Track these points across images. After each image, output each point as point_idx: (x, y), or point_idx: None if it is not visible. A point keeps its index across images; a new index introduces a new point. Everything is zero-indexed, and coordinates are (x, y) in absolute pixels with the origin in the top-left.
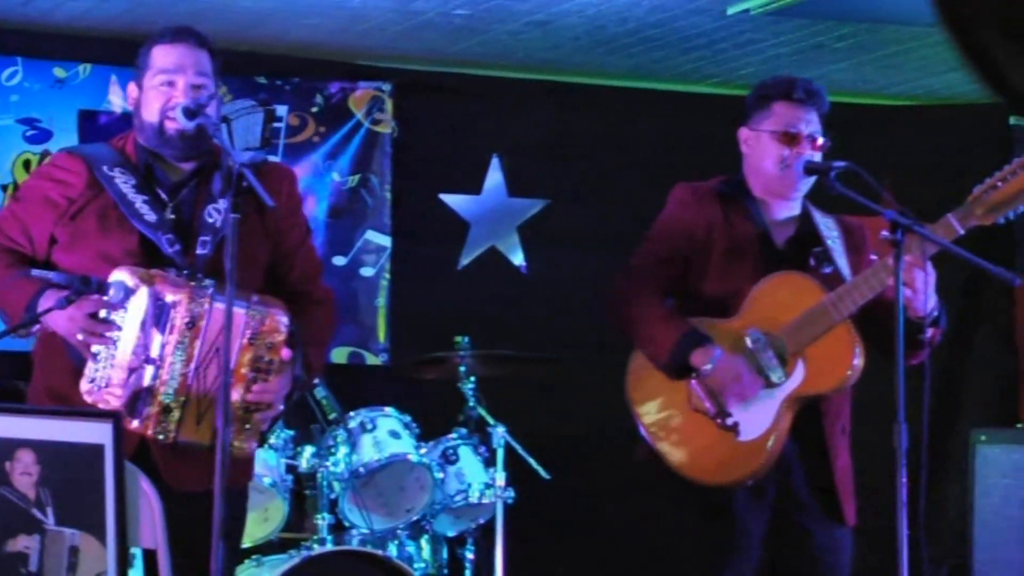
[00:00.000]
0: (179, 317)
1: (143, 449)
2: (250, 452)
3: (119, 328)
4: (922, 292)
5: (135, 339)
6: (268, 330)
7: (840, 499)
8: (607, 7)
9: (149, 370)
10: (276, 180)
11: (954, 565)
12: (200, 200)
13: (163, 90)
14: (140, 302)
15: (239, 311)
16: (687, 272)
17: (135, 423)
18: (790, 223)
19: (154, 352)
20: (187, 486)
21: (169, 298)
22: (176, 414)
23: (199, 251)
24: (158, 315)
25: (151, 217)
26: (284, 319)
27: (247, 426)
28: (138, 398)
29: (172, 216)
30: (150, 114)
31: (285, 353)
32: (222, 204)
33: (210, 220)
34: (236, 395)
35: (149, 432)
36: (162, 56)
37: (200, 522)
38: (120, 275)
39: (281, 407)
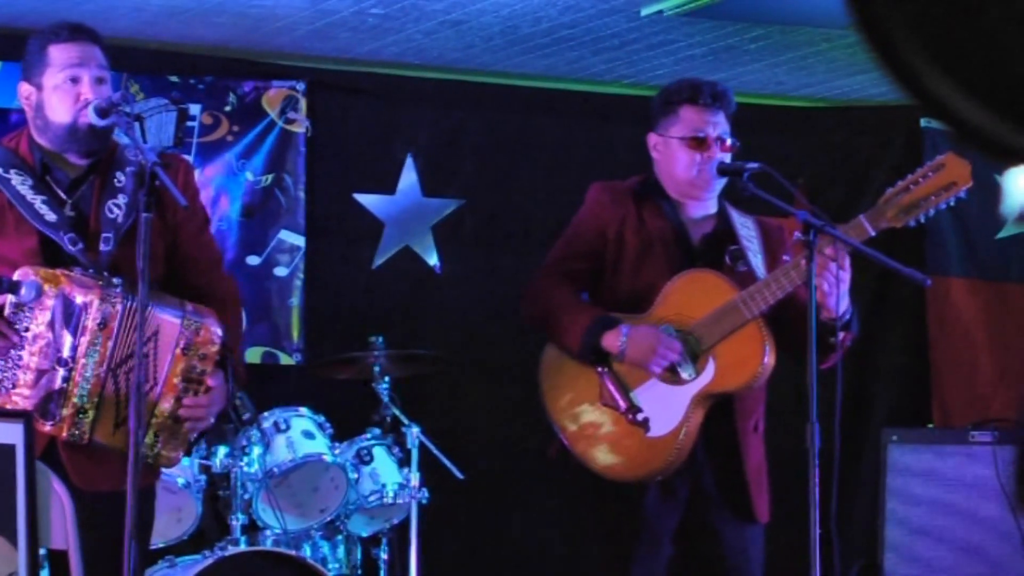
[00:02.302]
0: (90, 318)
1: (51, 449)
2: (176, 461)
3: (26, 328)
4: (834, 292)
5: (44, 340)
6: (202, 341)
7: (752, 496)
8: (521, 7)
9: (60, 372)
10: (174, 172)
11: (865, 564)
12: (99, 196)
13: (69, 87)
14: (47, 302)
15: (174, 321)
16: (601, 270)
17: (48, 426)
18: (706, 221)
19: (65, 353)
20: (95, 486)
21: (79, 299)
22: (91, 415)
23: (102, 248)
24: (68, 316)
25: (51, 217)
26: (218, 330)
27: (175, 437)
28: (50, 400)
29: (72, 214)
30: (58, 114)
31: (212, 381)
32: (121, 199)
33: (111, 216)
34: (167, 404)
35: (64, 434)
36: (62, 54)
37: (108, 522)
38: (26, 275)
39: (212, 420)
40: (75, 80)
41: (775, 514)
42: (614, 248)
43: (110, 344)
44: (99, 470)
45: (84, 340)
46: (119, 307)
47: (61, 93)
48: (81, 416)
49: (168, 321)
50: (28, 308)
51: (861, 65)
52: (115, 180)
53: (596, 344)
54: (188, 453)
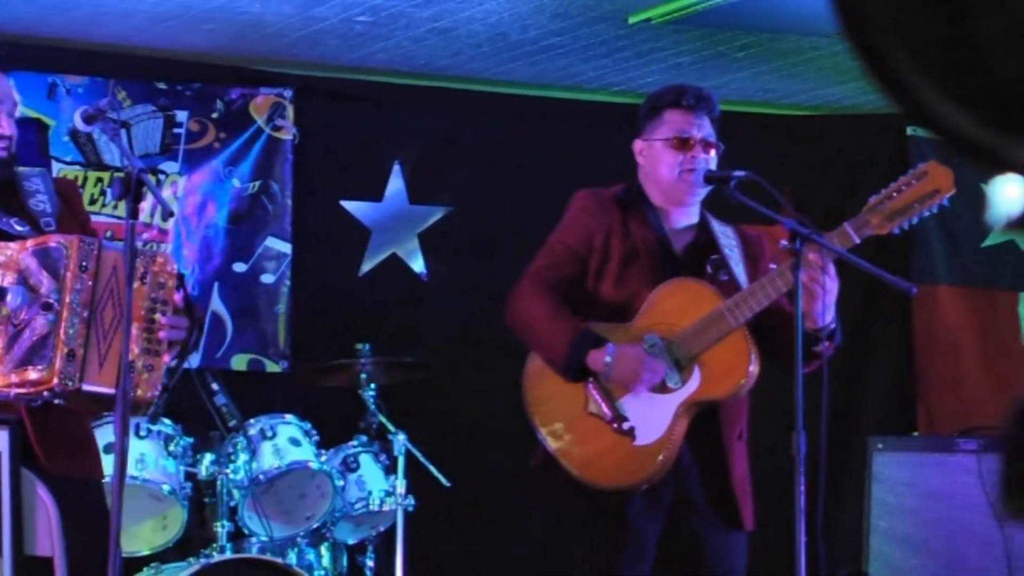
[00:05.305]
0: (72, 260)
1: (20, 431)
2: (153, 400)
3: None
4: (820, 301)
5: (18, 298)
6: (159, 269)
7: (738, 504)
8: (509, 15)
9: (43, 317)
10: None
11: (851, 571)
12: (12, 207)
13: None
14: (15, 266)
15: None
16: (585, 278)
17: (33, 374)
18: (688, 231)
19: (46, 293)
20: (63, 471)
21: (55, 243)
22: (80, 358)
23: (47, 230)
24: (46, 262)
25: None
26: (173, 258)
27: (152, 369)
28: (34, 351)
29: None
30: None
31: (177, 298)
32: (40, 196)
33: (39, 208)
34: (134, 330)
35: (55, 381)
36: None
37: (78, 509)
38: None
39: (183, 338)
40: None
41: (761, 522)
42: (599, 256)
43: (91, 285)
44: (68, 455)
45: (68, 276)
46: (95, 251)
47: None
48: (71, 360)
49: (124, 253)
50: (20, 307)
51: (848, 73)
52: (26, 186)
53: (581, 361)
54: (167, 389)
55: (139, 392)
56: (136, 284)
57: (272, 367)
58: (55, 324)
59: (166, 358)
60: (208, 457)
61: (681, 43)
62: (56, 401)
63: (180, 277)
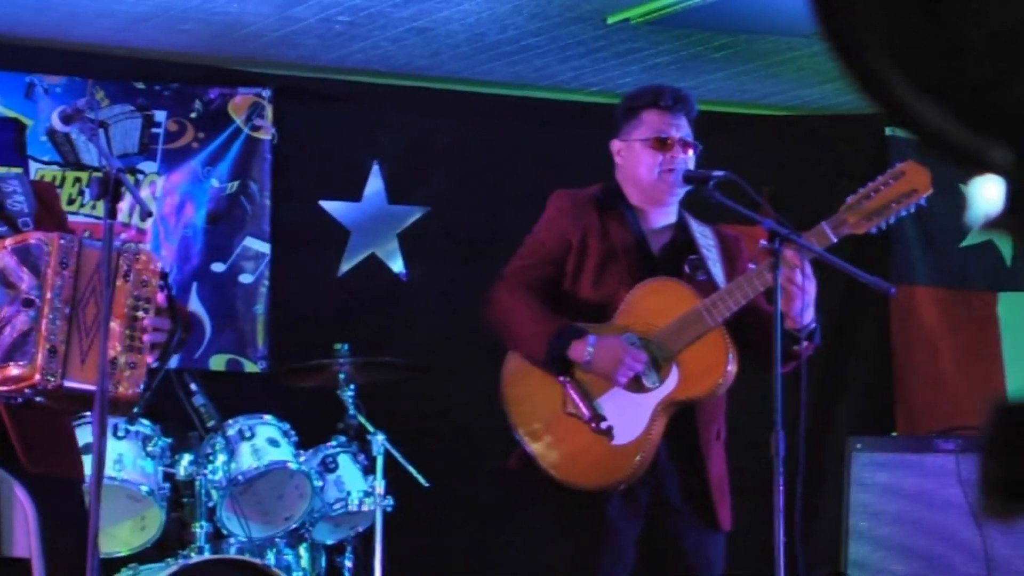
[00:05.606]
0: (52, 257)
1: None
2: (137, 399)
3: None
4: (799, 301)
5: None
6: (142, 267)
7: (715, 505)
8: (487, 15)
9: (25, 314)
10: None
11: (829, 572)
12: None
13: None
14: None
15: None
16: (562, 278)
17: (15, 370)
18: (666, 231)
19: (28, 291)
20: (43, 468)
21: (35, 240)
22: (61, 354)
23: (24, 230)
24: (26, 259)
25: None
26: (156, 257)
27: (134, 366)
28: (15, 348)
29: None
30: None
31: (160, 297)
32: (16, 197)
33: (17, 207)
34: (117, 327)
35: (37, 377)
36: None
37: (55, 511)
38: None
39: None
40: None
41: (740, 522)
42: (576, 256)
43: (72, 281)
44: (49, 452)
45: (49, 272)
46: (76, 249)
47: None
48: (53, 356)
49: (103, 253)
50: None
51: (826, 74)
52: (3, 187)
53: (562, 354)
54: (149, 388)
55: (121, 389)
56: (119, 282)
57: (251, 367)
58: (36, 320)
59: (149, 359)
60: (186, 458)
61: (659, 43)
62: (38, 399)
63: (164, 275)
